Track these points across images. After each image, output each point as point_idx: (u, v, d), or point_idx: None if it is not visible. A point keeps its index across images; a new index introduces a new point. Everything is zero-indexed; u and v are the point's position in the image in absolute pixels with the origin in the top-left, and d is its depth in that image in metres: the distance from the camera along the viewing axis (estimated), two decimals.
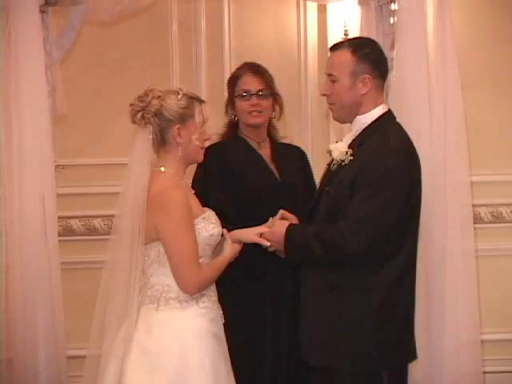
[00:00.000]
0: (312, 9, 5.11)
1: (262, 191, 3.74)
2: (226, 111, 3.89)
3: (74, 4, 3.93)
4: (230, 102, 3.86)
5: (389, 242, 3.15)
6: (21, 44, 3.75)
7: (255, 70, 3.83)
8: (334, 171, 3.28)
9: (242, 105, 3.81)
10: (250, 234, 3.33)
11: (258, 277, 3.71)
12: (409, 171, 3.19)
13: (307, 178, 3.93)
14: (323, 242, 3.15)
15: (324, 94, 3.36)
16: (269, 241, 3.31)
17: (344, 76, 3.25)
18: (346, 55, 3.26)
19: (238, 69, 3.93)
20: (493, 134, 5.01)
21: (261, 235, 3.32)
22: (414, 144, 3.32)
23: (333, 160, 3.31)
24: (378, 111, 3.29)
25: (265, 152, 3.87)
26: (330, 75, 3.31)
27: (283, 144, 3.96)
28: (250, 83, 3.80)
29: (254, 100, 3.78)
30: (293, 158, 3.93)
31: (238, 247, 3.30)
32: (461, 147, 3.65)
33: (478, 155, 4.55)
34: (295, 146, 4.04)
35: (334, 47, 3.34)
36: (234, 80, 3.86)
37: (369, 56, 3.26)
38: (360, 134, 3.27)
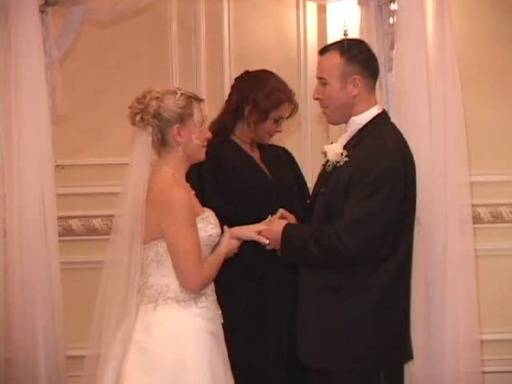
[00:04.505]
0: (312, 9, 5.11)
1: (257, 191, 3.75)
2: (236, 114, 3.80)
3: (73, 4, 3.92)
4: (261, 115, 3.75)
5: (385, 243, 3.15)
6: (20, 44, 3.74)
7: (293, 99, 3.81)
8: (329, 172, 3.28)
9: (270, 127, 3.79)
10: (249, 231, 3.33)
11: (258, 277, 3.71)
12: (404, 172, 3.20)
13: (296, 177, 3.96)
14: (319, 242, 3.15)
15: (316, 98, 3.37)
16: (267, 239, 3.31)
17: (334, 79, 3.27)
18: (334, 58, 3.27)
19: (282, 91, 3.79)
20: (492, 133, 5.01)
21: (259, 233, 3.33)
22: (414, 144, 3.33)
23: (328, 161, 3.32)
24: (373, 112, 3.30)
25: (255, 154, 3.89)
26: (320, 79, 3.33)
27: (269, 145, 3.96)
28: (286, 112, 3.81)
29: (281, 126, 3.83)
30: (280, 158, 3.97)
31: (234, 243, 3.29)
32: (460, 147, 3.64)
33: (478, 155, 4.56)
34: (280, 147, 4.05)
35: (323, 50, 3.35)
36: (276, 103, 3.75)
37: (357, 57, 3.27)
38: (355, 135, 3.28)
